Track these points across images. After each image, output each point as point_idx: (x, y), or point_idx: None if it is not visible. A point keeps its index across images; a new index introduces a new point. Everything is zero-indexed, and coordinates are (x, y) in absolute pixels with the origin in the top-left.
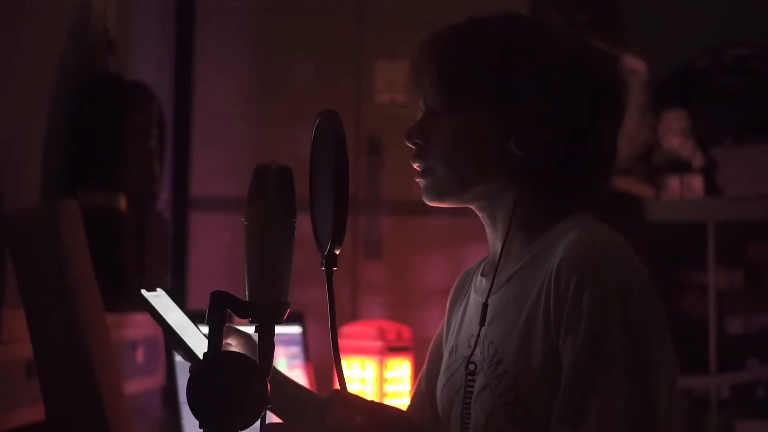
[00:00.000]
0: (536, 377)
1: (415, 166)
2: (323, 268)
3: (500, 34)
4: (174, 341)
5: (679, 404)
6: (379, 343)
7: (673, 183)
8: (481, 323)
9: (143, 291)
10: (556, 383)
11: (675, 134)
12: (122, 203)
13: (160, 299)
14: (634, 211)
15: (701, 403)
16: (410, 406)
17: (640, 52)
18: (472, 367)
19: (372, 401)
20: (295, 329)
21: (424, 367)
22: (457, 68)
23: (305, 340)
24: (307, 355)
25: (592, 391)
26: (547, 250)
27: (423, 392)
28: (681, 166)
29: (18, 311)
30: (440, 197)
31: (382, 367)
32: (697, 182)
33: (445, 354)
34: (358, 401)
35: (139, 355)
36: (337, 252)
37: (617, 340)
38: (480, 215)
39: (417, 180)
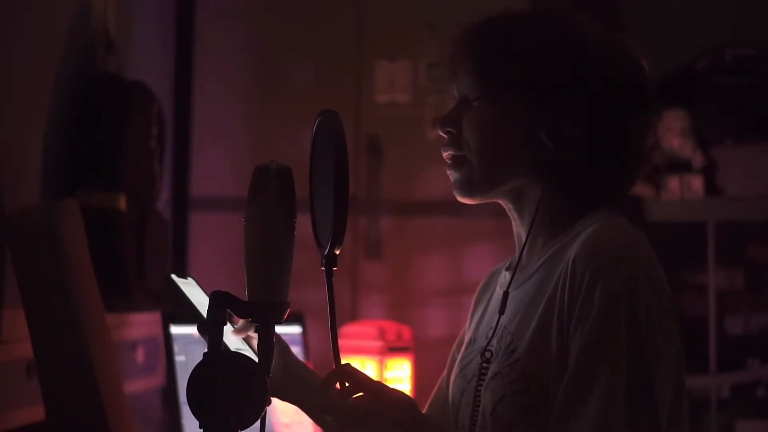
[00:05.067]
0: (546, 369)
1: (446, 155)
2: (323, 268)
3: (537, 29)
4: (201, 326)
5: (685, 409)
6: (379, 343)
7: (673, 183)
8: (501, 311)
9: (173, 276)
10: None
11: (675, 134)
12: (122, 203)
13: (189, 286)
14: (634, 211)
15: (701, 403)
16: (429, 407)
17: (640, 52)
18: (488, 354)
19: (376, 380)
20: (295, 329)
21: (446, 370)
22: (492, 57)
23: (305, 340)
24: (307, 355)
25: (593, 388)
26: (568, 245)
27: (444, 395)
28: (681, 166)
29: (18, 311)
30: (470, 191)
31: (382, 367)
32: (697, 182)
33: (463, 347)
34: (362, 377)
35: (139, 355)
36: (337, 252)
37: (623, 338)
38: (507, 209)
39: (448, 173)
